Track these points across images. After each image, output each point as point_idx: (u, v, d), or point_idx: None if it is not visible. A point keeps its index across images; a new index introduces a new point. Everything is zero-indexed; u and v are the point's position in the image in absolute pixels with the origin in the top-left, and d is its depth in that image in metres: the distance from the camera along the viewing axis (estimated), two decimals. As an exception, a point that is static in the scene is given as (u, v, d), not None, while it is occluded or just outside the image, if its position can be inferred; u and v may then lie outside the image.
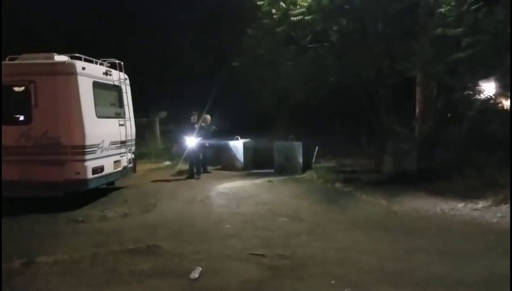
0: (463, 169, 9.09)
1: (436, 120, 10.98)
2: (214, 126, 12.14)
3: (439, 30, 9.06)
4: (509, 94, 11.61)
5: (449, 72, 9.78)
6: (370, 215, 7.03)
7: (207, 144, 11.83)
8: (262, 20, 11.55)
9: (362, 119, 12.90)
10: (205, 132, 11.65)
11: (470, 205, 7.31)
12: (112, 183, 9.18)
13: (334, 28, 10.51)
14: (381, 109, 11.60)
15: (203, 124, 11.71)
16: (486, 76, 10.44)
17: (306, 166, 11.26)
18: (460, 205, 7.39)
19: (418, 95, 11.01)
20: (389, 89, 11.33)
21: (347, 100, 12.98)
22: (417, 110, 11.10)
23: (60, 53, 8.10)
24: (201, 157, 11.70)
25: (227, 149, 12.66)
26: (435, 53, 9.27)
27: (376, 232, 6.04)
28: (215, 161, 13.26)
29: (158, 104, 16.58)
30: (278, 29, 11.10)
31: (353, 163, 11.40)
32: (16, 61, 8.04)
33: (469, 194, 7.96)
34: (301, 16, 10.52)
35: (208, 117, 12.01)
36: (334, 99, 12.54)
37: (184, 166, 11.77)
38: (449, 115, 11.83)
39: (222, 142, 12.77)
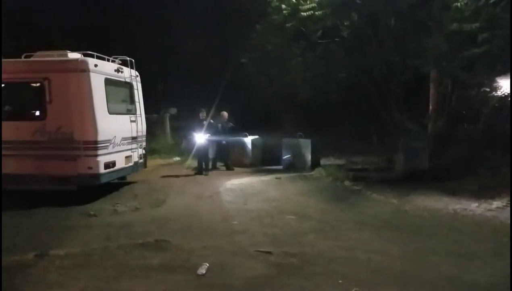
0: (477, 168, 8.95)
1: (450, 117, 10.81)
2: (231, 123, 12.22)
3: (454, 25, 8.86)
4: None
5: (465, 68, 9.59)
6: (379, 214, 6.93)
7: (224, 142, 11.96)
8: (271, 15, 11.50)
9: (372, 116, 12.79)
10: (222, 129, 11.82)
11: (484, 205, 7.18)
12: (123, 177, 9.31)
13: (345, 23, 10.41)
14: (392, 106, 11.46)
15: (218, 122, 11.86)
16: (503, 73, 10.24)
17: (315, 163, 11.21)
18: (474, 205, 7.26)
19: (431, 92, 10.83)
20: (401, 86, 11.19)
21: (357, 97, 12.88)
22: (430, 107, 10.92)
23: (73, 50, 8.24)
24: (211, 154, 11.84)
25: (235, 146, 12.72)
26: (450, 49, 9.10)
27: (385, 231, 5.96)
28: (223, 157, 13.34)
29: (168, 100, 16.71)
30: (288, 25, 11.02)
31: (363, 160, 11.33)
32: (31, 59, 8.20)
33: (482, 193, 7.83)
34: (311, 12, 10.44)
35: (226, 114, 12.11)
36: (343, 96, 12.43)
37: (194, 162, 11.85)
38: (463, 112, 11.65)
39: (230, 138, 12.85)
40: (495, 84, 11.06)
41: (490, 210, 6.96)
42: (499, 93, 11.14)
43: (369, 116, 13.10)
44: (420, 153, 9.78)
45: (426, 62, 9.64)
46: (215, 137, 11.62)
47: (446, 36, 9.15)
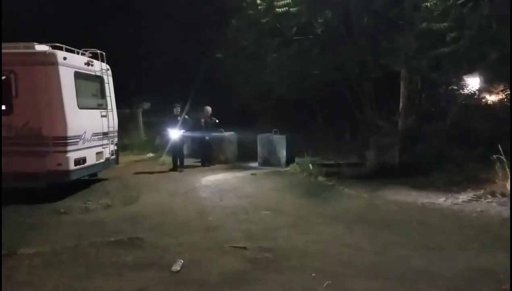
0: (444, 164, 9.28)
1: (419, 115, 11.13)
2: (215, 119, 12.05)
3: (424, 25, 9.13)
4: (492, 89, 11.84)
5: (433, 67, 9.90)
6: (351, 208, 7.09)
7: (207, 137, 11.80)
8: (247, 10, 11.48)
9: (346, 113, 13.02)
10: (205, 125, 11.70)
11: (451, 200, 7.43)
12: (94, 174, 9.10)
13: (319, 20, 10.52)
14: (364, 104, 11.71)
15: (201, 118, 11.73)
16: (470, 71, 10.64)
17: (290, 160, 11.32)
18: (441, 199, 7.51)
19: (402, 90, 11.11)
20: (373, 83, 11.44)
21: (331, 94, 13.04)
22: (400, 104, 11.24)
23: (40, 42, 7.95)
24: (185, 150, 11.73)
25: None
26: (419, 48, 9.36)
27: (357, 226, 6.10)
28: (198, 153, 13.26)
29: (141, 95, 16.41)
30: (263, 20, 11.05)
31: (336, 157, 11.52)
32: None
33: (450, 188, 8.14)
34: (286, 8, 10.50)
35: (209, 109, 11.92)
36: (318, 93, 12.58)
37: (168, 158, 11.72)
38: (432, 110, 12.02)
39: (213, 134, 12.79)
40: (462, 82, 11.46)
41: (457, 204, 7.22)
42: (465, 91, 11.54)
43: (342, 113, 13.33)
44: (390, 149, 10.04)
45: (397, 61, 9.88)
46: (189, 133, 11.51)
47: (416, 35, 9.41)
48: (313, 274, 4.27)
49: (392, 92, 11.43)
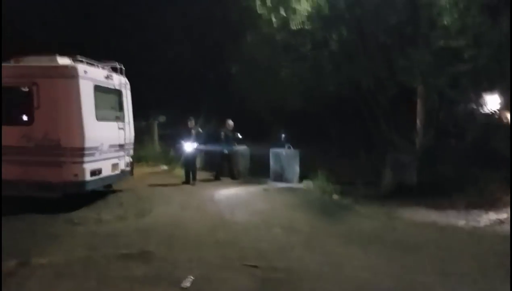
0: (464, 185, 8.97)
1: (438, 133, 10.88)
2: (237, 133, 12.01)
3: (441, 42, 9.02)
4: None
5: (451, 85, 9.69)
6: (367, 229, 6.92)
7: (225, 151, 11.80)
8: (262, 27, 11.59)
9: (361, 129, 12.88)
10: (226, 138, 11.72)
11: (472, 223, 7.21)
12: (109, 185, 9.19)
13: (334, 37, 10.52)
14: (380, 120, 11.52)
15: (221, 131, 11.79)
16: (489, 89, 10.41)
17: (303, 175, 11.25)
18: (462, 221, 7.29)
19: (418, 107, 10.90)
20: (389, 99, 11.26)
21: (346, 110, 12.97)
22: (417, 122, 11.02)
23: (62, 55, 8.15)
24: (197, 164, 11.78)
25: (223, 156, 12.68)
26: (437, 65, 9.22)
27: (373, 247, 5.92)
28: (211, 167, 13.29)
29: (157, 108, 16.61)
30: (278, 37, 11.13)
31: (351, 174, 11.33)
32: (20, 63, 8.09)
33: (470, 211, 7.87)
34: (301, 25, 10.55)
35: (231, 122, 11.94)
36: (332, 109, 12.53)
37: (182, 171, 11.76)
38: (451, 128, 11.77)
39: (219, 148, 12.81)
40: (482, 100, 11.21)
41: (478, 227, 6.99)
42: (485, 109, 11.28)
43: (357, 129, 13.19)
44: (408, 168, 9.78)
45: (413, 78, 9.75)
46: (203, 147, 11.57)
47: (433, 52, 9.28)
48: None
49: (409, 108, 11.23)
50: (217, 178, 11.84)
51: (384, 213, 7.98)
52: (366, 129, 12.18)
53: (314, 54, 10.99)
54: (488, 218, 7.43)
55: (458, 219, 7.46)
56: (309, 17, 10.35)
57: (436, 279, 4.77)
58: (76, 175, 7.53)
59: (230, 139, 11.85)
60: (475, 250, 5.86)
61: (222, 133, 11.82)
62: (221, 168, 12.01)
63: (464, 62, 8.89)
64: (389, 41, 10.21)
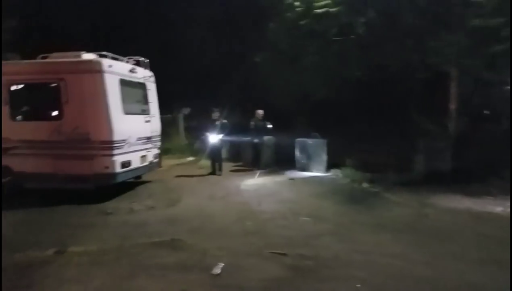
0: (501, 170, 8.62)
1: (472, 117, 10.48)
2: (268, 123, 11.85)
3: (476, 21, 8.63)
4: None
5: (487, 66, 9.29)
6: (398, 217, 6.74)
7: (255, 141, 11.75)
8: (285, 13, 11.38)
9: (390, 116, 12.54)
10: (256, 129, 11.68)
11: (508, 209, 6.91)
12: (138, 177, 9.42)
13: (361, 20, 10.20)
14: (411, 106, 11.16)
15: (252, 121, 11.71)
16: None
17: (331, 164, 11.10)
18: (498, 208, 7.04)
19: (452, 91, 10.43)
20: (420, 84, 10.88)
21: (374, 96, 12.62)
22: (451, 106, 10.67)
23: (88, 51, 8.33)
24: (223, 154, 11.84)
25: (249, 146, 12.71)
26: (471, 46, 8.81)
27: (405, 235, 5.77)
28: (236, 157, 13.38)
29: (181, 100, 16.78)
30: (302, 22, 10.87)
31: (381, 162, 11.08)
32: (47, 60, 8.35)
33: (507, 197, 7.54)
34: (326, 9, 10.28)
35: (260, 112, 11.85)
36: (360, 95, 12.22)
37: (207, 162, 11.87)
38: (486, 112, 11.32)
39: (243, 139, 12.84)
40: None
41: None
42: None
43: (386, 116, 12.85)
44: (441, 154, 9.47)
45: (446, 60, 9.36)
46: (228, 138, 11.64)
47: (467, 32, 8.88)
48: (358, 285, 4.07)
49: (442, 92, 10.81)
50: (249, 168, 11.84)
51: (415, 200, 7.76)
52: (395, 116, 11.86)
53: (340, 39, 10.71)
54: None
55: (494, 206, 7.19)
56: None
57: (470, 267, 4.61)
58: (107, 167, 7.74)
59: (260, 130, 11.77)
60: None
61: (252, 123, 11.77)
62: (252, 158, 12.02)
63: (501, 42, 8.46)
64: (420, 23, 9.81)
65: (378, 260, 4.81)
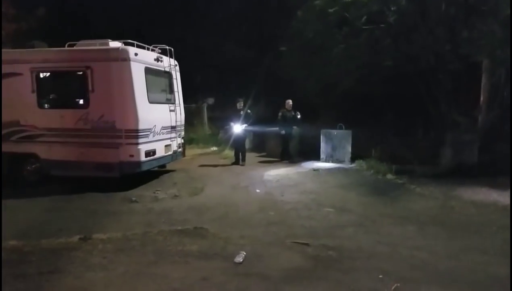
0: None
1: (503, 110, 10.14)
2: (297, 112, 11.55)
3: (510, 10, 8.28)
4: None
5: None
6: (423, 209, 6.65)
7: (282, 132, 11.56)
8: (314, 1, 11.16)
9: (418, 108, 12.20)
10: (282, 119, 11.50)
11: None
12: (163, 165, 9.52)
13: (392, 8, 9.90)
14: (440, 98, 10.86)
15: (279, 112, 11.56)
16: None
17: (356, 156, 10.92)
18: None
19: (483, 82, 10.16)
20: (450, 76, 10.56)
21: (402, 88, 12.30)
22: (481, 99, 10.29)
23: (114, 39, 8.41)
24: (247, 145, 11.78)
25: (272, 137, 12.63)
26: (505, 36, 8.49)
27: (430, 228, 5.71)
28: (260, 148, 13.32)
29: (206, 90, 16.86)
30: (330, 10, 10.65)
31: (408, 154, 10.84)
32: (74, 48, 8.47)
33: None
34: None
35: (289, 102, 11.65)
36: (387, 87, 11.90)
37: (231, 152, 11.89)
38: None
39: (268, 129, 12.77)
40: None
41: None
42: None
43: (414, 108, 12.51)
44: (468, 147, 9.24)
45: (479, 51, 9.02)
46: (252, 128, 11.58)
47: (501, 21, 8.52)
48: (380, 276, 4.05)
49: (471, 85, 10.47)
50: (275, 159, 11.78)
51: (441, 192, 7.62)
52: (424, 108, 11.54)
53: (370, 28, 10.43)
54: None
55: None
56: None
57: (496, 260, 4.53)
58: (132, 156, 7.84)
59: (288, 120, 11.56)
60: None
61: (280, 113, 11.61)
62: (282, 149, 11.89)
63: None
64: (452, 11, 9.45)
65: (402, 252, 4.77)
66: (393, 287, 3.81)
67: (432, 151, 10.16)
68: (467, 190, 7.72)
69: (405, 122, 13.08)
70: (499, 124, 10.01)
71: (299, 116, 11.58)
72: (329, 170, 10.11)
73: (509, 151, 8.92)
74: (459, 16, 9.43)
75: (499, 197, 7.21)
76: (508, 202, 6.86)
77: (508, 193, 7.33)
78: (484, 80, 10.13)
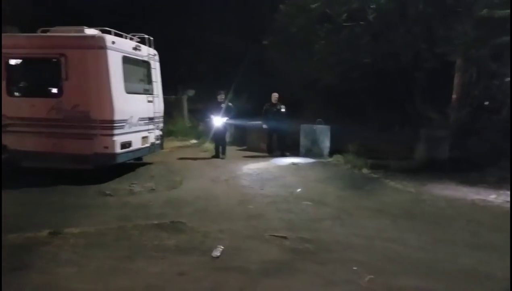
0: (498, 159, 8.75)
1: (473, 107, 10.46)
2: (281, 106, 11.38)
3: (484, 11, 8.50)
4: None
5: (493, 57, 9.22)
6: (397, 203, 6.83)
7: (264, 126, 11.39)
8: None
9: (395, 104, 12.45)
10: (266, 112, 11.32)
11: (503, 197, 7.01)
12: (139, 158, 9.32)
13: (372, 6, 10.04)
14: (416, 95, 11.13)
15: (271, 102, 11.35)
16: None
17: (334, 150, 11.02)
18: (492, 196, 7.11)
19: (456, 81, 10.48)
20: (426, 74, 10.84)
21: (381, 85, 12.53)
22: (454, 96, 10.60)
23: (90, 26, 8.13)
24: (227, 138, 11.67)
25: (253, 130, 12.58)
26: (479, 36, 8.73)
27: (403, 220, 5.87)
28: (241, 141, 13.26)
29: (186, 82, 16.61)
30: (312, 6, 10.71)
31: (383, 149, 11.06)
32: (47, 34, 8.12)
33: (503, 185, 7.66)
34: None
35: (275, 95, 11.43)
36: (367, 83, 12.09)
37: (211, 145, 11.79)
38: (487, 103, 11.27)
39: (248, 123, 12.71)
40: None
41: (509, 201, 6.76)
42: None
43: (392, 104, 12.75)
44: (441, 143, 9.55)
45: (453, 50, 9.26)
46: (233, 121, 11.49)
47: (475, 22, 8.75)
48: (355, 268, 4.15)
49: (446, 83, 10.79)
50: (257, 153, 11.63)
51: (415, 186, 7.86)
52: (401, 104, 11.78)
53: (350, 25, 10.53)
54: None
55: (489, 194, 7.28)
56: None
57: (465, 251, 4.71)
58: (106, 147, 7.60)
59: (273, 114, 11.31)
60: (505, 223, 5.66)
61: (264, 107, 11.42)
62: (267, 144, 11.71)
63: (508, 34, 8.34)
64: (430, 10, 9.64)
65: (377, 244, 4.90)
66: (367, 279, 3.90)
67: (407, 146, 10.39)
68: (439, 184, 7.98)
69: (383, 117, 13.31)
70: (470, 121, 10.31)
71: (283, 110, 11.45)
72: (308, 164, 10.20)
73: (481, 147, 9.21)
74: (436, 16, 9.62)
75: (468, 191, 7.49)
76: (477, 196, 7.15)
77: (477, 188, 7.65)
78: (456, 78, 10.43)
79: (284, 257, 4.43)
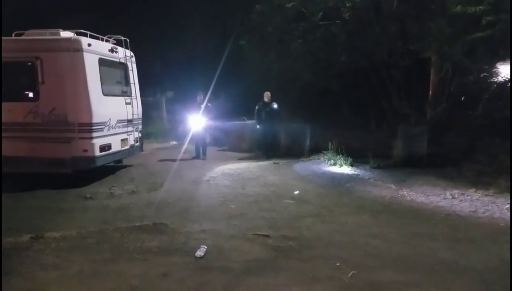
0: (475, 155, 8.95)
1: (449, 103, 10.73)
2: (274, 105, 11.13)
3: (458, 8, 8.71)
4: None
5: (467, 54, 9.45)
6: (377, 199, 6.94)
7: (257, 127, 11.21)
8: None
9: (372, 102, 12.69)
10: (258, 112, 11.08)
11: (481, 191, 7.18)
12: (119, 161, 9.22)
13: (347, 4, 10.20)
14: (392, 92, 11.34)
15: (264, 101, 11.07)
16: (505, 58, 10.13)
17: (314, 149, 11.15)
18: (470, 190, 7.28)
19: (431, 77, 10.71)
20: (401, 71, 11.06)
21: (357, 83, 12.74)
22: (430, 93, 10.85)
23: (65, 29, 8.01)
24: (207, 139, 11.63)
25: (233, 130, 12.61)
26: (452, 33, 8.95)
27: (383, 216, 5.96)
28: (221, 141, 13.27)
29: (164, 83, 16.48)
30: (288, 5, 10.81)
31: (362, 146, 11.26)
32: (22, 37, 7.97)
33: (480, 180, 7.85)
34: None
35: (267, 94, 11.16)
36: (343, 81, 12.28)
37: (191, 146, 11.74)
38: (463, 98, 11.58)
39: (228, 123, 12.73)
40: (495, 70, 10.94)
41: (487, 195, 6.98)
42: (498, 79, 11.01)
43: (368, 102, 12.99)
44: (418, 139, 9.71)
45: (427, 47, 9.49)
46: (212, 122, 11.48)
47: (449, 19, 8.98)
48: (338, 264, 4.19)
49: (422, 80, 11.05)
50: (266, 156, 11.18)
51: (393, 182, 8.01)
52: (377, 102, 12.01)
53: (326, 24, 10.68)
54: (497, 186, 7.36)
55: (467, 188, 7.45)
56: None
57: (445, 244, 4.81)
58: (85, 151, 7.53)
59: (267, 113, 11.05)
60: (484, 217, 5.86)
61: (257, 107, 11.20)
62: (263, 145, 11.41)
63: (481, 30, 8.58)
64: (403, 8, 9.86)
65: (358, 240, 4.95)
66: (350, 274, 3.95)
67: (385, 143, 10.61)
68: (417, 180, 8.13)
69: (360, 115, 13.56)
70: (447, 117, 10.60)
71: (275, 106, 11.17)
72: (288, 163, 10.28)
73: (458, 143, 9.47)
74: (410, 13, 9.84)
75: (447, 186, 7.66)
76: (455, 191, 7.29)
77: (454, 182, 7.82)
78: (432, 75, 10.67)
79: (267, 255, 4.44)
